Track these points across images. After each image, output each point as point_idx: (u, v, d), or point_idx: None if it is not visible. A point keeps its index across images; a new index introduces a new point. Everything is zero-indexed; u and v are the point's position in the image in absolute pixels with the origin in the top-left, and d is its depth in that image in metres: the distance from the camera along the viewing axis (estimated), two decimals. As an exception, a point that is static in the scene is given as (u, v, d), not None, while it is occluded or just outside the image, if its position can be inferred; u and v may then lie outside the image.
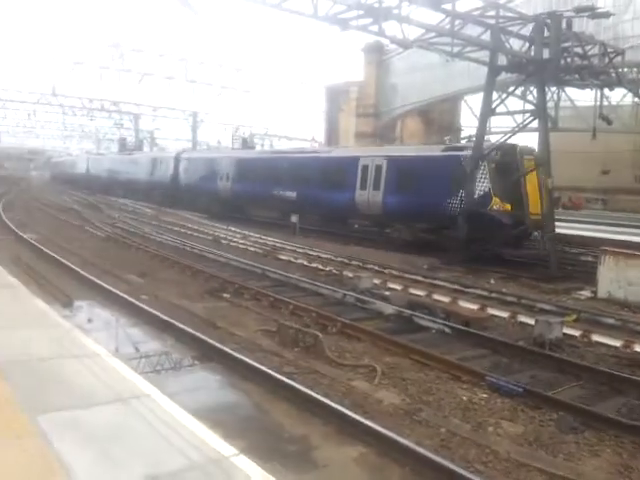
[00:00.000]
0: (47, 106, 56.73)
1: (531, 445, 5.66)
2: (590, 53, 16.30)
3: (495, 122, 22.58)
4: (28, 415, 3.89)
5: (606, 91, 19.74)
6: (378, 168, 20.76)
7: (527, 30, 16.03)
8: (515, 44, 16.43)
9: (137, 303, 10.29)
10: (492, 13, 15.78)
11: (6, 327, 5.97)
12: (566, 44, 15.72)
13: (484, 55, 16.82)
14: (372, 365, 7.59)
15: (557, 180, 17.77)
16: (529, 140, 19.39)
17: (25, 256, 14.96)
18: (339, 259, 16.47)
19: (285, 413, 6.15)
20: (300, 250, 18.03)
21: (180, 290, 11.98)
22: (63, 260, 14.18)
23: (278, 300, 11.00)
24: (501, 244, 16.64)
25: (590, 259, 16.82)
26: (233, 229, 23.16)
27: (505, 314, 10.82)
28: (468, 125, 40.23)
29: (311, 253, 17.46)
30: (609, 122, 18.54)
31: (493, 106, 17.30)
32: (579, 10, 16.68)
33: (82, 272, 12.78)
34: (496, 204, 16.90)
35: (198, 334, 8.40)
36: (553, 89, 20.67)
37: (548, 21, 15.60)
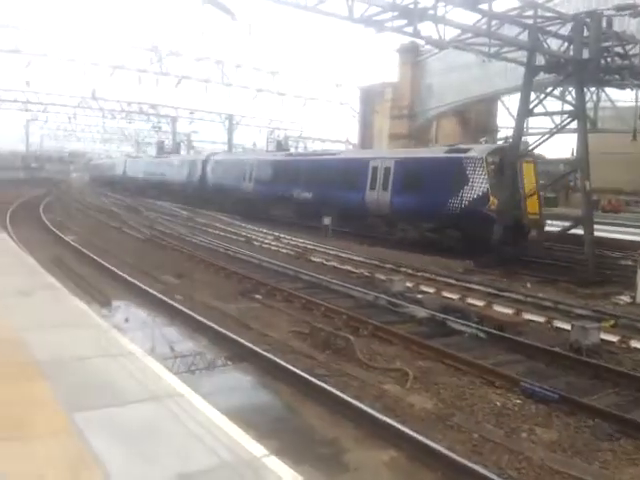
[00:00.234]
0: (87, 110, 58.07)
1: (566, 452, 5.56)
2: (631, 53, 15.90)
3: (532, 123, 22.27)
4: (66, 413, 4.00)
5: (648, 91, 19.28)
6: (387, 170, 21.67)
7: (566, 30, 15.75)
8: (553, 44, 16.14)
9: (172, 303, 10.47)
10: (530, 13, 15.55)
11: (48, 327, 6.14)
12: (606, 43, 15.36)
13: (522, 55, 16.59)
14: (404, 369, 7.55)
15: (596, 182, 17.42)
16: (568, 141, 19.11)
17: (65, 257, 15.35)
18: (371, 261, 16.43)
19: (316, 415, 6.18)
20: (332, 252, 18.05)
21: (214, 291, 12.13)
22: (101, 261, 14.49)
23: (310, 302, 11.04)
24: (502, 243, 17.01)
25: (630, 263, 16.39)
26: (265, 231, 23.33)
27: (541, 319, 10.63)
28: (505, 126, 39.82)
29: (343, 255, 17.46)
30: (650, 123, 18.10)
31: (531, 107, 17.04)
32: (620, 8, 16.29)
33: (119, 273, 13.05)
34: (494, 204, 17.44)
35: (231, 335, 8.50)
36: (592, 89, 20.32)
37: (588, 20, 15.29)
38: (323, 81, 44.32)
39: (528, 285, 14.09)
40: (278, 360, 7.43)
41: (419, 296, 12.03)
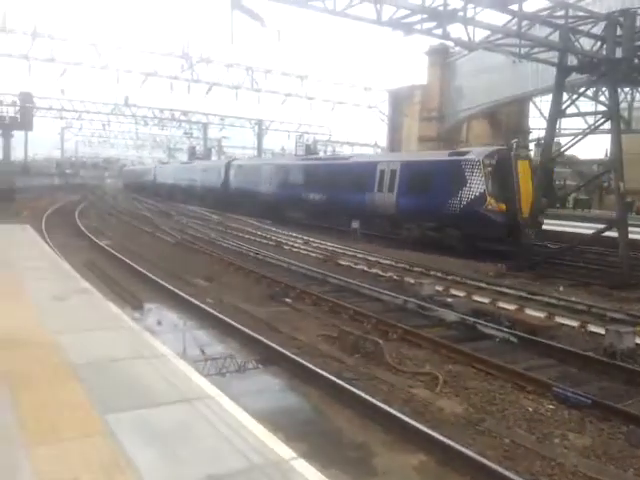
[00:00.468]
0: (120, 117, 59.24)
1: (599, 458, 5.46)
2: (666, 51, 15.55)
3: (565, 124, 21.97)
4: (98, 414, 4.09)
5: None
6: (393, 172, 22.72)
7: (598, 29, 15.46)
8: (585, 43, 15.86)
9: (203, 306, 10.61)
10: (561, 13, 15.33)
11: (83, 330, 6.28)
12: (640, 42, 15.08)
13: (553, 56, 16.34)
14: (434, 373, 7.51)
15: (630, 184, 17.08)
16: (601, 142, 18.94)
17: (99, 261, 15.66)
18: (400, 265, 16.37)
19: (345, 418, 6.19)
20: (360, 255, 18.04)
21: (244, 294, 12.24)
22: (134, 265, 14.75)
23: (338, 305, 11.05)
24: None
25: (667, 266, 16.01)
26: (295, 234, 23.43)
27: (574, 323, 10.43)
28: (537, 127, 39.31)
29: (371, 259, 17.41)
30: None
31: (563, 107, 16.80)
32: (654, 6, 15.98)
33: (152, 276, 13.27)
34: (491, 204, 18.49)
35: (261, 338, 8.57)
36: (626, 89, 19.92)
37: (621, 19, 15.00)
38: (352, 85, 44.37)
39: (561, 288, 13.85)
40: (307, 363, 7.46)
41: (449, 300, 11.94)
